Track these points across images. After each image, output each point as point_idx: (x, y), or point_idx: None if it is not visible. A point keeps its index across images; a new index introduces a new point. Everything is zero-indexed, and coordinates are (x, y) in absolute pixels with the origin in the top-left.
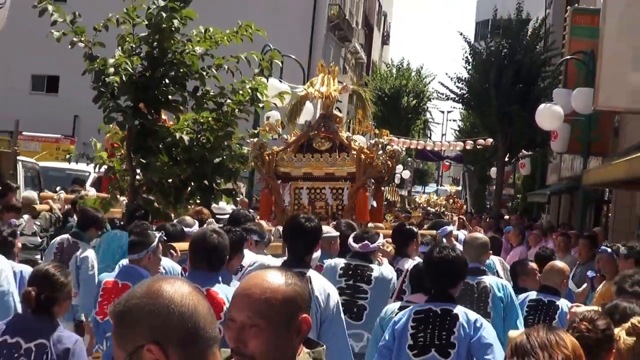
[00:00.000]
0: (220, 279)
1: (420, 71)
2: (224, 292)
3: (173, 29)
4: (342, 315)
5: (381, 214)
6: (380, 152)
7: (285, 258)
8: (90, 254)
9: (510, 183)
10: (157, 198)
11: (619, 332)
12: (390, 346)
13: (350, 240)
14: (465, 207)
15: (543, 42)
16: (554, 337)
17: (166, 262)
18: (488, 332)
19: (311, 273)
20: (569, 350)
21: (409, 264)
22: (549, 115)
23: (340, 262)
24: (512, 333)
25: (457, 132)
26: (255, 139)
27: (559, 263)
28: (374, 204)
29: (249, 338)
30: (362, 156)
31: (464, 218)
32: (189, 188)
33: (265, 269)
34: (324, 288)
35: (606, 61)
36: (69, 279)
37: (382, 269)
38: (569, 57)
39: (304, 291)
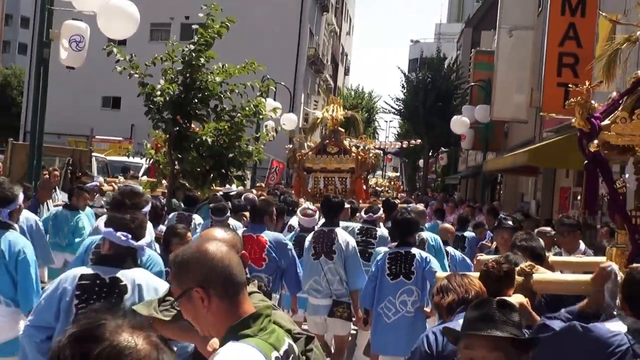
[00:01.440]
0: (266, 229)
1: (371, 93)
2: (268, 236)
3: (200, 64)
4: (358, 255)
5: (368, 194)
6: (371, 154)
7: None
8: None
9: (433, 170)
10: (189, 182)
11: None
12: (376, 275)
13: (362, 212)
14: (402, 187)
15: (455, 74)
16: (467, 279)
17: (233, 222)
18: (434, 264)
19: (338, 230)
20: (477, 287)
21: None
22: (459, 123)
23: (357, 225)
24: (439, 274)
25: (396, 135)
26: (290, 146)
27: (446, 224)
28: (364, 187)
29: None
30: (359, 157)
31: (408, 197)
32: (212, 175)
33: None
34: (346, 239)
35: (498, 86)
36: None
37: (382, 231)
38: (473, 83)
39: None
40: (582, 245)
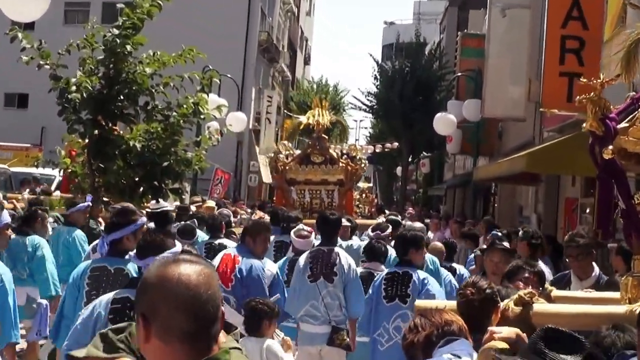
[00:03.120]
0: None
1: (337, 87)
2: (243, 257)
3: (126, 52)
4: (359, 279)
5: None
6: (363, 165)
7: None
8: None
9: (413, 179)
10: (113, 197)
11: (508, 303)
12: (372, 297)
13: (369, 230)
14: (376, 200)
15: (438, 62)
16: (447, 315)
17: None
18: (432, 286)
19: (339, 250)
20: (461, 323)
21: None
22: (444, 122)
23: (363, 243)
24: (418, 303)
25: (368, 137)
26: (271, 155)
27: (437, 243)
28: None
29: None
30: (349, 168)
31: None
32: (142, 188)
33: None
34: (348, 260)
35: (490, 77)
36: None
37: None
38: (460, 74)
39: None
40: (596, 270)
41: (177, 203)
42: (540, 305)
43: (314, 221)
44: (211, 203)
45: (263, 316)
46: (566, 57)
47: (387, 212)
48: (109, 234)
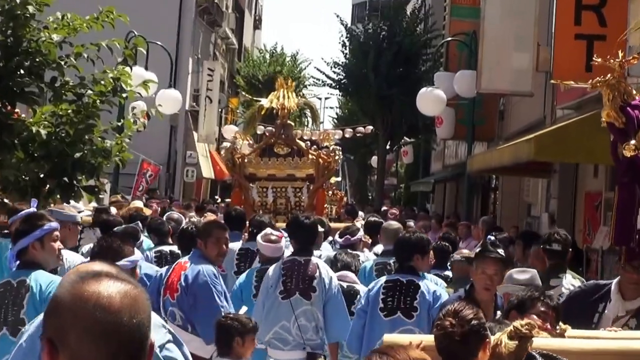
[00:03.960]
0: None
1: (296, 57)
2: (191, 263)
3: (28, 15)
4: (341, 294)
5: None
6: (337, 157)
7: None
8: None
9: (392, 172)
10: (12, 197)
11: (501, 336)
12: (365, 309)
13: (337, 236)
14: (345, 199)
15: (423, 24)
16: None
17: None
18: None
19: (318, 260)
20: None
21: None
22: (430, 99)
23: (330, 253)
24: (387, 338)
25: (335, 119)
26: (227, 145)
27: None
28: None
29: None
30: (321, 161)
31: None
32: (48, 186)
33: None
34: (329, 273)
35: (488, 42)
36: None
37: (367, 256)
38: (450, 38)
39: None
40: None
41: (94, 204)
42: (542, 340)
43: (283, 225)
44: (139, 204)
45: (234, 333)
46: (583, 16)
47: (361, 213)
48: (14, 244)
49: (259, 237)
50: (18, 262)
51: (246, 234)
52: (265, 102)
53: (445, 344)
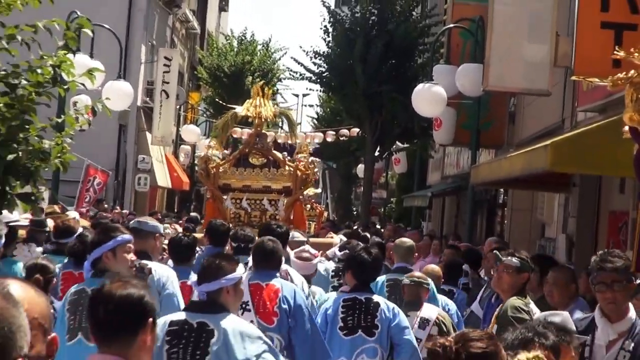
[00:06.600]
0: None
1: (268, 45)
2: (282, 285)
3: None
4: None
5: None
6: (316, 170)
7: None
8: None
9: (382, 183)
10: None
11: None
12: (323, 328)
13: (335, 249)
14: (326, 213)
15: (420, 8)
16: None
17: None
18: (403, 318)
19: (288, 268)
20: None
21: None
22: (428, 98)
23: (331, 265)
24: None
25: (315, 120)
26: (201, 154)
27: (433, 266)
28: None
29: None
30: (298, 173)
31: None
32: None
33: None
34: (302, 281)
35: (498, 30)
36: None
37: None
38: (452, 25)
39: (50, 309)
40: (632, 311)
41: (28, 215)
42: None
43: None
44: (74, 214)
45: None
46: (611, 1)
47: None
48: (89, 253)
49: (292, 254)
50: (92, 271)
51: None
52: (240, 109)
53: None
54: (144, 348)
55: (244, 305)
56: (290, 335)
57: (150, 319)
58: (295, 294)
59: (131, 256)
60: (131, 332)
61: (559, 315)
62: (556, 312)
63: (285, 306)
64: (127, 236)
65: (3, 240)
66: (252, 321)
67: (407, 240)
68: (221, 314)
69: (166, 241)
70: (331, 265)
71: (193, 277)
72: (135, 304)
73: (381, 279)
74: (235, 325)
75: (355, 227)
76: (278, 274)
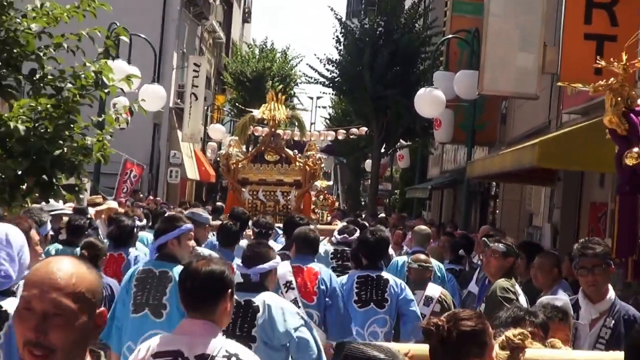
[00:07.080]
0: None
1: (286, 52)
2: (319, 268)
3: (5, 3)
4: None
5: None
6: (323, 165)
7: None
8: None
9: (387, 177)
10: None
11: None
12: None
13: (336, 233)
14: (337, 203)
15: (422, 20)
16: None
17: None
18: (409, 292)
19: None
20: None
21: None
22: (429, 100)
23: (330, 248)
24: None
25: (327, 120)
26: (222, 152)
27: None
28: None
29: (52, 328)
30: (307, 168)
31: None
32: (26, 184)
33: (61, 257)
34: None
35: (491, 40)
36: None
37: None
38: (450, 36)
39: (101, 284)
40: (612, 293)
41: (73, 204)
42: (535, 351)
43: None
44: (113, 204)
45: None
46: (593, 14)
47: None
48: (156, 239)
49: (335, 232)
50: (157, 254)
51: (248, 232)
52: (256, 112)
53: (441, 348)
54: (225, 313)
55: (288, 284)
56: (325, 312)
57: (230, 290)
58: (331, 277)
59: (192, 242)
60: (214, 300)
61: (560, 300)
62: (558, 297)
63: (323, 287)
64: (190, 225)
65: (49, 227)
66: (295, 298)
67: (424, 228)
68: (263, 293)
69: None
70: (330, 248)
71: (237, 260)
72: (217, 278)
73: (402, 259)
74: (277, 302)
75: (358, 215)
76: (315, 259)
